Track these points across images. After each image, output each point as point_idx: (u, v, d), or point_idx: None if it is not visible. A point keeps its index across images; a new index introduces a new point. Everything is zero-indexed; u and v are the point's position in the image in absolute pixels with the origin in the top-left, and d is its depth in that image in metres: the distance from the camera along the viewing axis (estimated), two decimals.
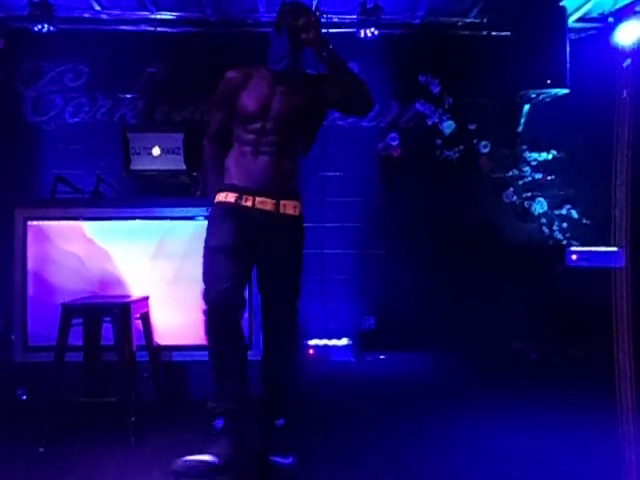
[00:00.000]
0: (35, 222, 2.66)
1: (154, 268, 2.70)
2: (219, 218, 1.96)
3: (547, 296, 3.99)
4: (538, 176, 4.42)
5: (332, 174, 4.37)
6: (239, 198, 1.92)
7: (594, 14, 4.23)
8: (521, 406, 2.71)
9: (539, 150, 4.38)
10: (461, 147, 4.40)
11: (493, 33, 4.33)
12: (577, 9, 4.09)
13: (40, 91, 4.24)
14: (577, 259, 4.00)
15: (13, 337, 3.14)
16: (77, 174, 3.47)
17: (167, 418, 2.54)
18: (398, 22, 4.26)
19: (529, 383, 3.16)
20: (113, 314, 2.27)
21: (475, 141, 4.39)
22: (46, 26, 3.92)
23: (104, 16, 4.11)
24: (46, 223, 2.67)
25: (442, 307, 4.19)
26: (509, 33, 4.25)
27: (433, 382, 3.38)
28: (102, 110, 4.24)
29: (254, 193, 1.92)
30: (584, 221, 4.41)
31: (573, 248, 4.08)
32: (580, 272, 3.93)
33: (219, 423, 1.85)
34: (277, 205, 1.93)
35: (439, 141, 4.39)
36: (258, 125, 1.94)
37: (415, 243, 4.25)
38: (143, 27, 4.21)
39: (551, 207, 4.42)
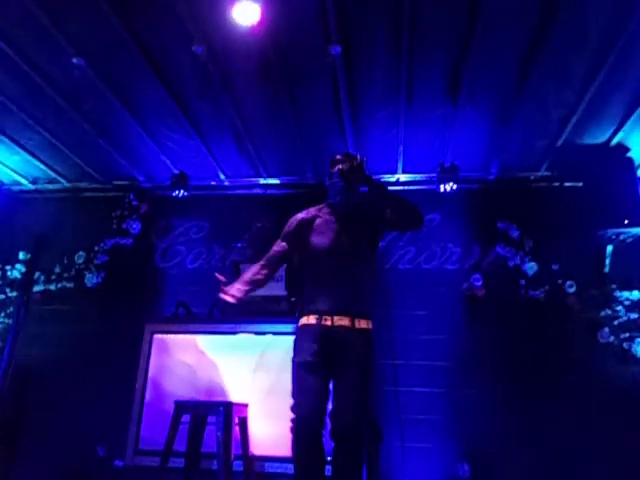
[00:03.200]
0: (159, 335, 3.11)
1: (254, 379, 2.97)
2: (303, 337, 2.28)
3: None
4: (634, 316, 4.32)
5: (419, 313, 4.58)
6: (319, 319, 2.25)
7: None
8: None
9: (630, 289, 4.36)
10: (546, 287, 4.49)
11: (566, 184, 4.70)
12: None
13: (169, 242, 5.10)
14: None
15: (116, 462, 3.42)
16: (194, 303, 4.02)
17: None
18: (474, 178, 4.78)
19: None
20: (217, 412, 2.52)
21: (560, 281, 4.48)
22: (181, 192, 4.91)
23: (226, 183, 5.06)
24: (168, 336, 3.11)
25: (541, 453, 3.90)
26: (581, 184, 4.60)
27: None
28: (217, 257, 4.96)
29: (333, 314, 2.25)
30: None
31: None
32: None
33: None
34: (353, 321, 2.25)
35: (523, 281, 4.53)
36: (329, 258, 2.34)
37: (506, 383, 4.18)
38: (255, 190, 5.10)
39: None
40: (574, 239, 4.50)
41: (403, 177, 4.85)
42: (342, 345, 2.21)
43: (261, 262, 2.53)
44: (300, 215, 2.52)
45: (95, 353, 4.43)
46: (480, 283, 4.58)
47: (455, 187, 4.58)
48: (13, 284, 5.02)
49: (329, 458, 2.14)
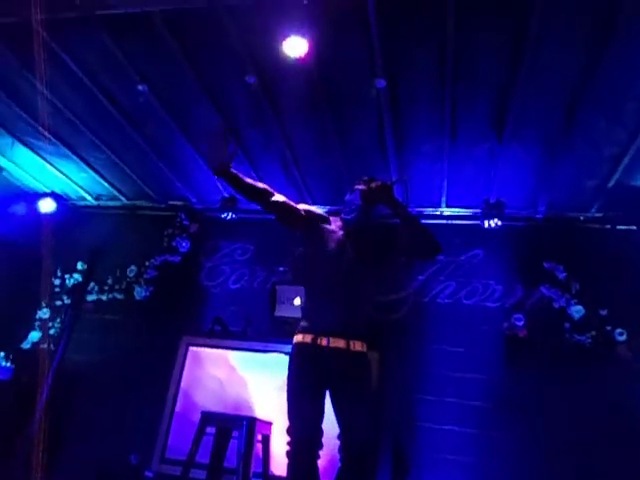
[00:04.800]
0: (195, 348, 3.23)
1: (280, 398, 2.99)
2: (298, 357, 2.25)
3: None
4: None
5: (455, 349, 4.48)
6: (315, 339, 2.22)
7: None
8: None
9: None
10: (593, 333, 4.30)
11: (618, 227, 4.53)
12: None
13: (215, 262, 5.29)
14: None
15: (146, 473, 3.53)
16: (232, 321, 4.15)
17: None
18: (521, 216, 4.69)
19: None
20: (241, 426, 2.57)
21: (609, 327, 4.28)
22: (230, 214, 5.11)
23: None
24: (202, 349, 3.22)
25: None
26: (635, 227, 4.43)
27: None
28: (259, 279, 5.08)
29: (328, 334, 2.21)
30: None
31: None
32: None
33: None
34: (348, 343, 2.22)
35: (568, 325, 4.35)
36: (330, 273, 2.30)
37: (545, 430, 4.00)
38: None
39: None
40: (625, 284, 4.30)
41: (447, 211, 4.84)
42: (337, 367, 2.19)
43: (271, 190, 2.41)
44: (324, 213, 2.51)
45: (136, 362, 4.62)
46: (522, 323, 4.45)
47: (500, 223, 4.52)
48: (70, 292, 5.35)
49: None
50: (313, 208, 2.59)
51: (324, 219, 2.49)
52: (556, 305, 4.44)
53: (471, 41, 3.00)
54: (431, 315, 4.61)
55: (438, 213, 4.85)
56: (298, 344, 2.27)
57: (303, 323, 2.32)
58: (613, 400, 4.06)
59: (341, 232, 2.41)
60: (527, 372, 4.22)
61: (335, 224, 2.47)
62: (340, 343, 2.20)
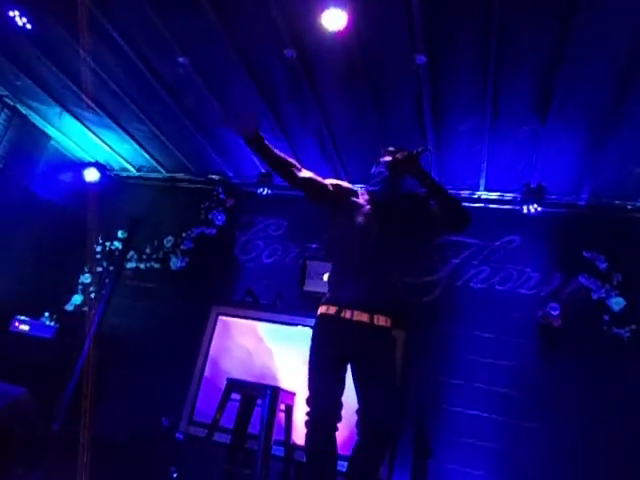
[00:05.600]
0: (224, 317, 3.30)
1: (304, 370, 3.04)
2: (322, 329, 2.25)
3: None
4: None
5: (486, 335, 4.41)
6: (339, 311, 2.20)
7: None
8: None
9: None
10: (633, 326, 4.14)
11: None
12: None
13: (249, 237, 5.37)
14: None
15: (178, 435, 3.66)
16: (263, 294, 4.22)
17: None
18: (562, 202, 4.53)
19: None
20: (264, 394, 2.63)
21: None
22: (266, 190, 5.16)
23: None
24: (231, 319, 3.29)
25: None
26: None
27: None
28: (291, 255, 5.13)
29: (352, 307, 2.19)
30: None
31: None
32: None
33: None
34: (372, 317, 2.19)
35: (606, 317, 4.21)
36: (357, 247, 2.26)
37: (575, 423, 3.93)
38: None
39: None
40: None
41: (485, 195, 4.72)
42: (360, 341, 2.17)
43: (299, 166, 2.40)
44: (345, 184, 2.48)
45: (170, 329, 4.79)
46: (557, 312, 4.33)
47: (540, 209, 4.39)
48: (111, 259, 5.55)
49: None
50: (341, 182, 2.55)
51: (352, 192, 2.46)
52: (595, 296, 4.29)
53: (515, 20, 2.88)
54: (463, 299, 4.55)
55: (476, 197, 4.74)
56: (322, 315, 2.26)
57: (328, 295, 2.30)
58: None
59: (368, 205, 2.37)
60: (560, 363, 4.14)
61: (363, 197, 2.43)
62: (364, 317, 2.19)
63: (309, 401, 2.19)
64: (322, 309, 2.27)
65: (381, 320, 2.22)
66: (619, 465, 3.74)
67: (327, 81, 3.68)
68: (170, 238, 5.46)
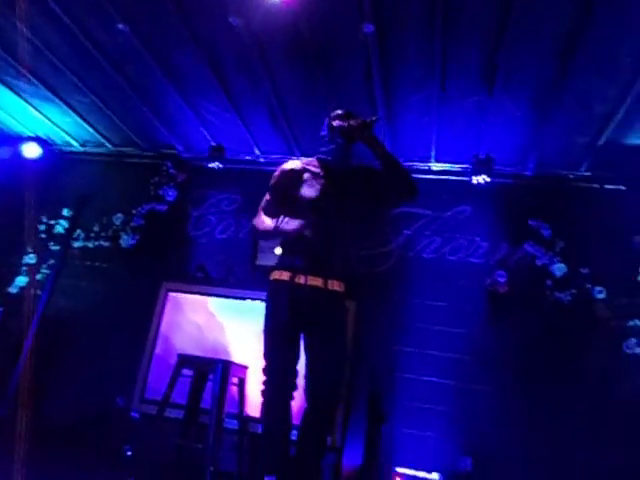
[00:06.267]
0: (174, 294, 3.25)
1: (256, 344, 3.05)
2: (275, 295, 2.22)
3: None
4: None
5: (438, 303, 4.53)
6: (293, 276, 2.19)
7: None
8: None
9: None
10: (573, 290, 4.34)
11: (606, 186, 4.50)
12: None
13: (202, 212, 5.26)
14: None
15: (132, 414, 3.61)
16: (216, 270, 4.17)
17: None
18: (509, 173, 4.64)
19: None
20: (215, 369, 2.62)
21: (589, 286, 4.32)
22: (217, 164, 5.05)
23: (261, 159, 5.16)
24: (182, 295, 3.24)
25: (546, 456, 3.82)
26: (623, 187, 4.40)
27: None
28: (245, 230, 5.02)
29: (306, 272, 2.19)
30: None
31: None
32: None
33: None
34: (325, 282, 2.20)
35: (549, 282, 4.39)
36: (311, 215, 2.23)
37: (520, 384, 4.10)
38: None
39: None
40: (609, 244, 4.31)
41: (436, 166, 4.78)
42: (314, 306, 2.18)
43: (264, 214, 2.41)
44: (287, 166, 2.36)
45: (121, 308, 4.67)
46: (504, 279, 4.48)
47: (489, 180, 4.48)
48: (56, 238, 5.34)
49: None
50: (287, 169, 2.39)
51: (301, 170, 2.36)
52: (539, 262, 4.46)
53: None
54: (415, 269, 4.64)
55: (427, 168, 4.80)
56: (275, 281, 2.23)
57: (282, 260, 2.28)
58: (589, 356, 4.15)
59: (320, 173, 2.33)
60: (507, 327, 4.30)
61: (314, 167, 2.37)
62: (318, 281, 2.19)
63: (265, 370, 2.19)
64: (275, 274, 2.25)
65: (335, 285, 2.23)
66: (565, 422, 3.94)
67: (276, 50, 3.60)
68: (119, 215, 5.30)
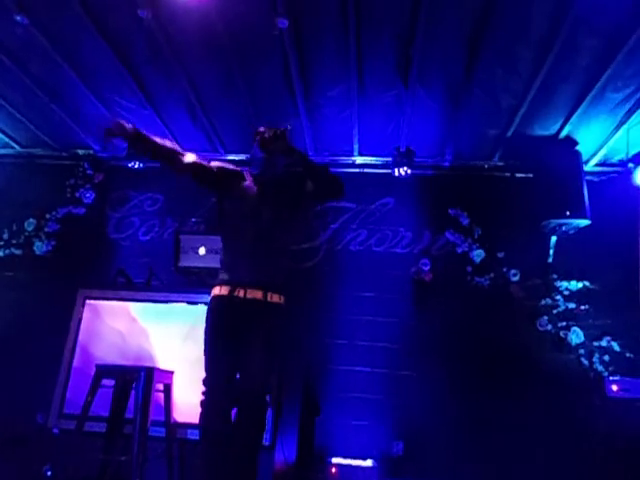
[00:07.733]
0: (92, 301, 3.09)
1: (183, 348, 2.98)
2: (215, 310, 2.26)
3: (584, 430, 3.77)
4: (572, 306, 4.43)
5: (366, 294, 4.62)
6: (232, 291, 2.23)
7: (614, 160, 4.60)
8: None
9: (570, 279, 4.47)
10: (491, 275, 4.58)
11: (517, 175, 4.77)
12: (594, 154, 4.50)
13: (124, 214, 5.05)
14: (618, 390, 3.83)
15: (54, 430, 3.41)
16: (141, 273, 4.01)
17: None
18: (429, 164, 4.81)
19: None
20: (138, 377, 2.53)
21: (505, 269, 4.57)
22: (137, 163, 4.85)
23: None
24: (101, 302, 3.09)
25: (473, 435, 4.01)
26: (531, 175, 4.68)
27: None
28: (169, 230, 4.90)
29: (246, 286, 2.23)
30: (627, 355, 4.25)
31: (613, 378, 3.92)
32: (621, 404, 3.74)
33: None
34: (265, 295, 2.24)
35: (469, 268, 4.60)
36: (247, 228, 2.31)
37: (447, 367, 4.26)
38: None
39: (589, 338, 4.34)
40: (521, 229, 4.57)
41: (359, 159, 4.86)
42: (252, 318, 2.21)
43: (181, 150, 2.39)
44: (237, 169, 2.49)
45: (36, 319, 4.39)
46: (428, 268, 4.65)
47: (410, 172, 4.61)
48: None
49: None
50: (226, 165, 2.53)
51: (239, 175, 2.45)
52: (459, 250, 4.67)
53: None
54: (343, 262, 4.71)
55: (350, 162, 4.86)
56: (215, 297, 2.27)
57: (221, 276, 2.31)
58: (507, 334, 4.39)
59: (255, 187, 2.40)
60: (433, 314, 4.45)
61: (249, 179, 2.45)
62: (257, 294, 2.22)
63: (205, 382, 2.20)
64: (215, 290, 2.28)
65: (274, 297, 2.26)
66: (490, 399, 4.12)
67: (189, 44, 3.49)
68: (32, 220, 4.97)
